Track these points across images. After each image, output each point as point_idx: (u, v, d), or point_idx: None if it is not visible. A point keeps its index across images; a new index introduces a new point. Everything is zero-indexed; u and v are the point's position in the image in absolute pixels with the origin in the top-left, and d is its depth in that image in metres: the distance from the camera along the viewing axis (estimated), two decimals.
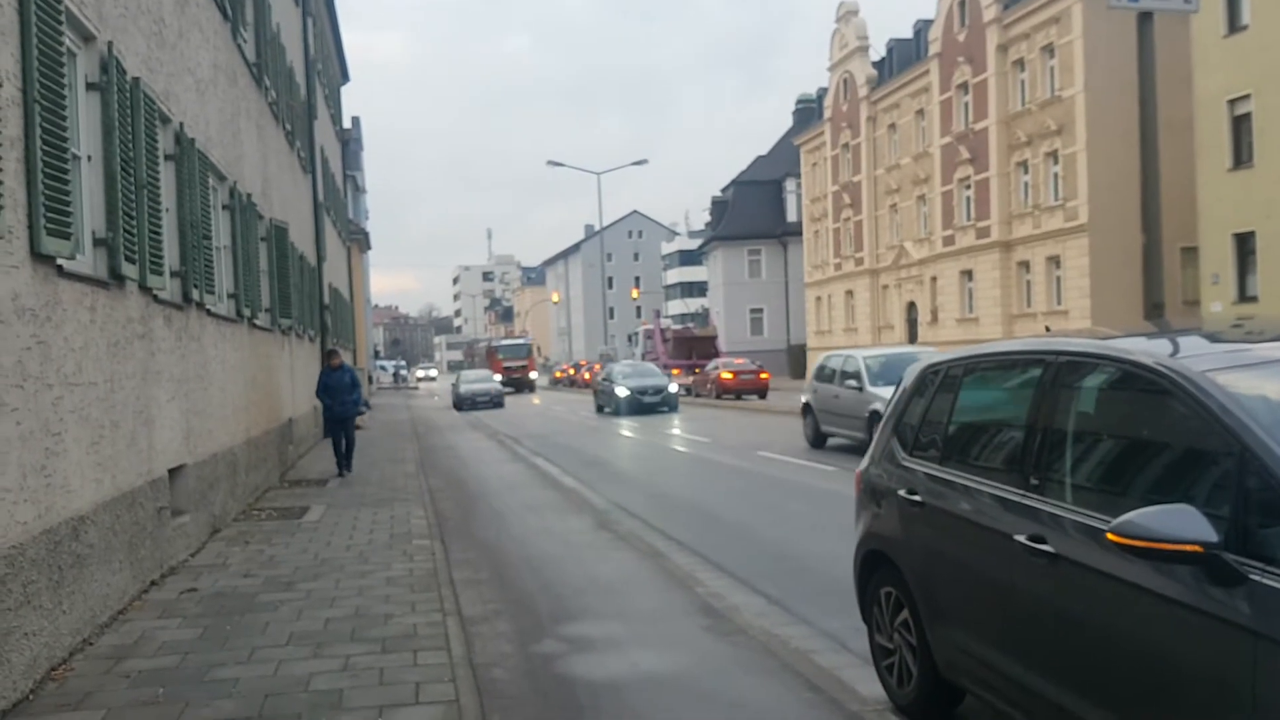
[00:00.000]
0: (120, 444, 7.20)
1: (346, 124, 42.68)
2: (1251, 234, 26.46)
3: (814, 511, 11.57)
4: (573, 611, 7.31)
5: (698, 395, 41.56)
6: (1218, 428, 3.11)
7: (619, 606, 7.38)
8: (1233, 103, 26.73)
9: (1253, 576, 2.82)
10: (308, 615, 6.94)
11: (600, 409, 35.51)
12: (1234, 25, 26.52)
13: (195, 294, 9.57)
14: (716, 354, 48.70)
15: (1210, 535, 2.88)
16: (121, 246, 7.23)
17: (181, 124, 9.52)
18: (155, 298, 8.27)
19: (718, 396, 39.22)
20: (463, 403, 40.94)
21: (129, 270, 7.41)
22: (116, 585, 6.99)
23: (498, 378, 48.44)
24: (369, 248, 50.64)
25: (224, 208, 11.79)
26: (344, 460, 15.37)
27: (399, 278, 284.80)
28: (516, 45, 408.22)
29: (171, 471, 8.64)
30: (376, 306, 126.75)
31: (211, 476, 10.20)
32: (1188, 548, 2.90)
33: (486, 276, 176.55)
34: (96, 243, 7.03)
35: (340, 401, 15.43)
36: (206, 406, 10.08)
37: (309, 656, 5.99)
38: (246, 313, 12.39)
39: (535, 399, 52.07)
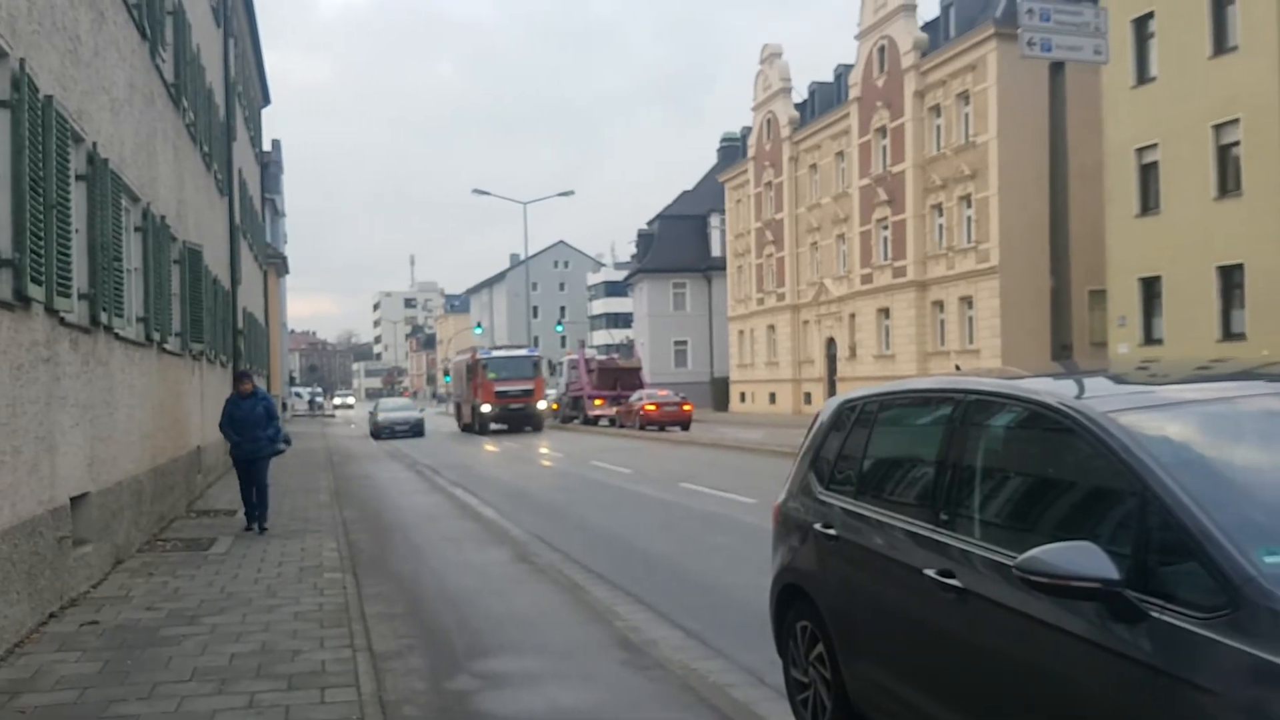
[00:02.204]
0: (21, 471, 6.94)
1: (266, 146, 42.08)
2: (1157, 278, 27.45)
3: (735, 544, 11.61)
4: (489, 646, 7.21)
5: (622, 426, 41.59)
6: (1120, 468, 3.20)
7: (536, 641, 7.30)
8: (1140, 151, 27.80)
9: (1153, 614, 2.90)
10: (212, 650, 6.74)
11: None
12: (1142, 77, 27.63)
13: (104, 317, 9.31)
14: (641, 385, 48.80)
15: (1112, 573, 2.95)
16: (28, 268, 7.01)
17: (95, 144, 9.29)
18: (62, 320, 8.03)
19: (641, 427, 39.29)
20: (381, 431, 40.37)
21: (35, 292, 7.19)
22: (14, 617, 6.72)
23: (487, 407, 40.95)
24: (286, 272, 49.90)
25: (136, 229, 11.51)
26: (256, 511, 12.37)
27: (318, 303, 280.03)
28: (444, 72, 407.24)
29: (74, 500, 8.35)
30: (293, 332, 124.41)
31: (116, 505, 9.88)
32: (1090, 584, 2.97)
33: (409, 303, 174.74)
34: (2, 264, 6.80)
35: (251, 438, 12.26)
36: (112, 433, 9.78)
37: (213, 693, 5.81)
38: (156, 337, 12.09)
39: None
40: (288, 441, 12.94)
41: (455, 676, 6.49)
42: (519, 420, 41.79)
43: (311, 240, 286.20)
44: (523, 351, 44.51)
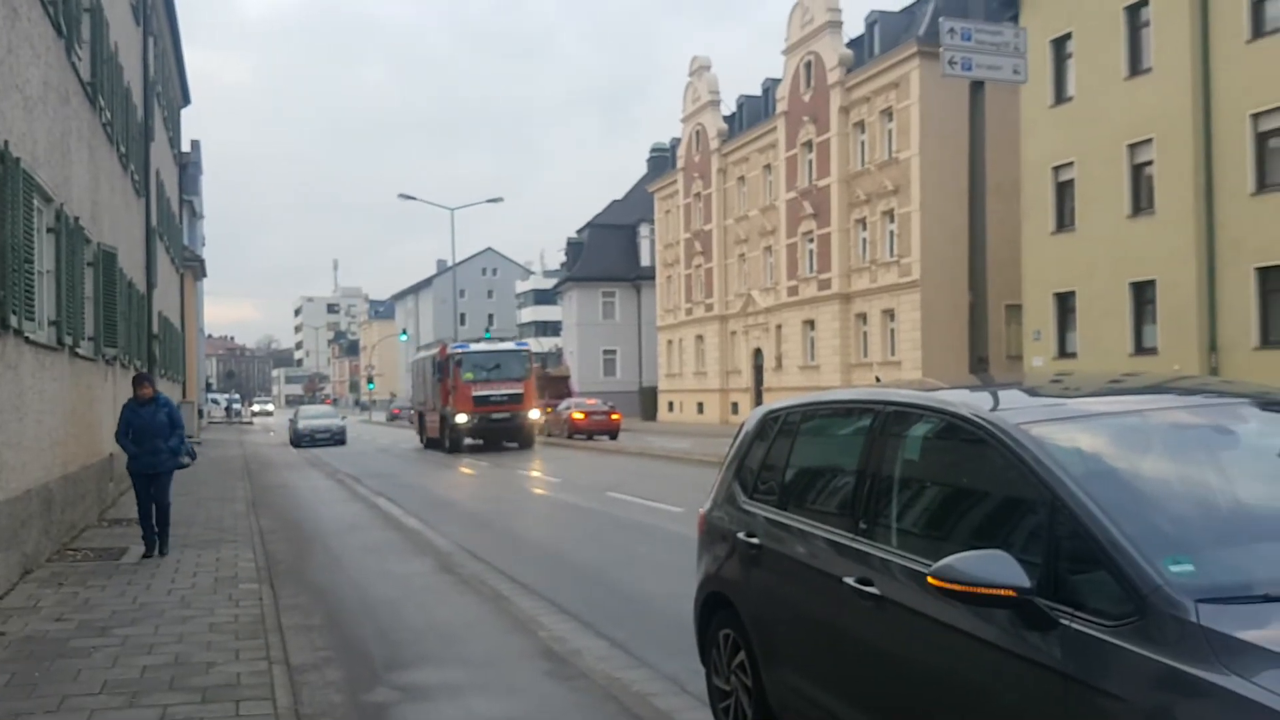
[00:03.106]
0: None
1: (186, 147, 41.17)
2: (1072, 293, 28.21)
3: (661, 553, 11.63)
4: (409, 658, 7.12)
5: (550, 435, 41.41)
6: (1032, 478, 3.28)
7: (458, 652, 7.23)
8: (1057, 169, 28.57)
9: (1063, 621, 2.97)
10: (124, 662, 6.56)
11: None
12: (1060, 96, 28.41)
13: (13, 320, 9.01)
14: (569, 394, 48.69)
15: (1023, 581, 3.02)
16: None
17: (6, 142, 9.00)
18: None
19: (569, 436, 39.17)
20: (301, 439, 39.64)
21: None
22: None
23: (462, 418, 32.06)
24: (204, 275, 48.81)
25: (49, 231, 11.17)
26: (156, 534, 11.05)
27: (237, 308, 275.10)
28: (373, 76, 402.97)
29: None
30: (211, 337, 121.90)
31: (24, 514, 9.55)
32: (1002, 592, 3.03)
33: (331, 309, 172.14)
34: None
35: (152, 449, 10.78)
36: (20, 439, 9.46)
37: (124, 706, 5.66)
38: (68, 341, 11.73)
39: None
40: (192, 455, 11.56)
41: (374, 689, 6.39)
42: (503, 434, 33.16)
43: (232, 244, 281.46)
44: (508, 345, 36.59)
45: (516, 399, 33.04)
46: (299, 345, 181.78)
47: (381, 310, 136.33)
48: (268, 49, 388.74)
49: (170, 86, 30.47)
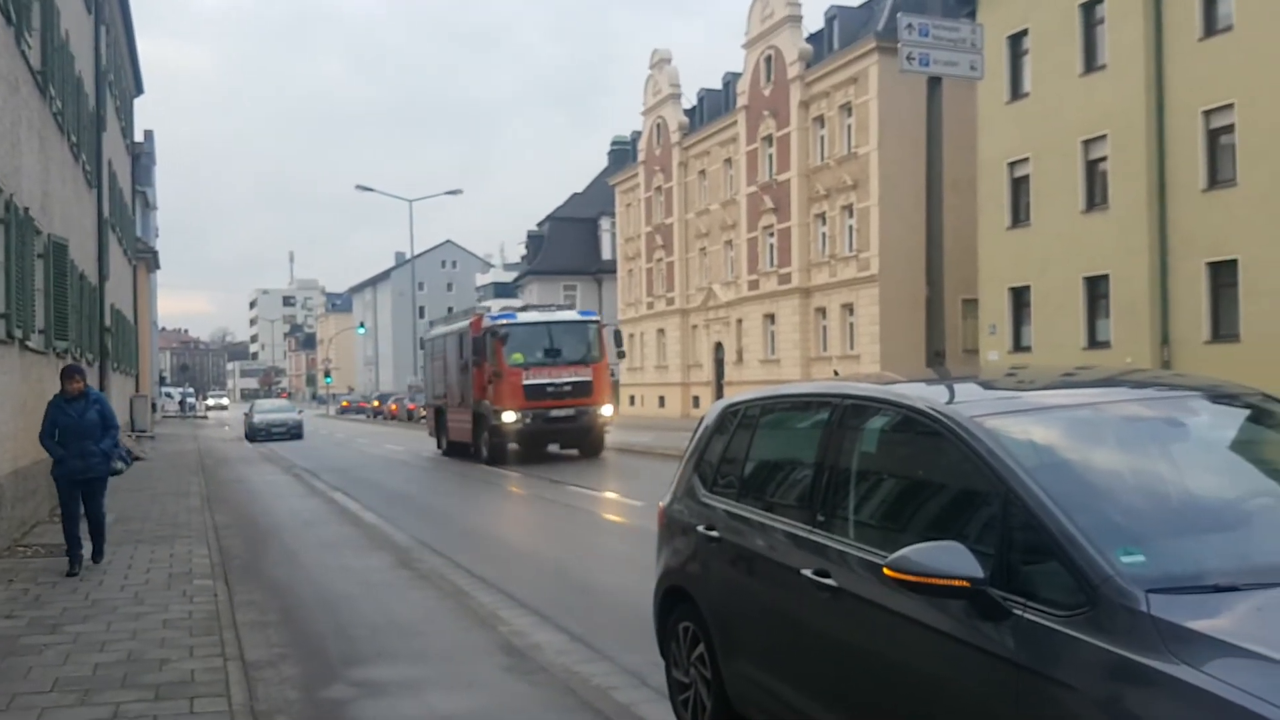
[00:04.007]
0: None
1: (139, 137, 40.51)
2: (1026, 288, 28.55)
3: (622, 546, 11.64)
4: (366, 654, 7.07)
5: None
6: (986, 470, 3.32)
7: (416, 647, 7.19)
8: (1013, 165, 28.89)
9: (1015, 611, 3.01)
10: (75, 660, 6.47)
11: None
12: (1016, 93, 28.72)
13: None
14: None
15: (977, 571, 3.06)
16: None
17: None
18: None
19: None
20: (256, 434, 39.20)
21: None
22: None
23: (510, 416, 23.32)
24: (157, 267, 48.14)
25: None
26: (87, 542, 9.82)
27: (191, 300, 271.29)
28: (330, 67, 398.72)
29: None
30: (164, 330, 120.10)
31: None
32: (956, 583, 3.07)
33: (287, 301, 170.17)
34: None
35: (81, 452, 9.42)
36: None
37: (75, 704, 5.58)
38: (18, 334, 11.51)
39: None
40: (126, 460, 10.25)
41: (330, 685, 6.34)
42: (565, 437, 24.91)
43: (185, 236, 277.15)
44: (570, 314, 26.47)
45: (584, 389, 23.91)
46: (254, 338, 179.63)
47: (339, 303, 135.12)
48: (223, 38, 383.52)
49: (123, 76, 29.97)
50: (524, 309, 26.00)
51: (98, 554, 10.00)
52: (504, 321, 24.51)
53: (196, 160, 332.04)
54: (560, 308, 27.12)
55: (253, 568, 10.70)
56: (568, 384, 23.78)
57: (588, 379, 24.10)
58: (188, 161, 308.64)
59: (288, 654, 7.11)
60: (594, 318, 25.61)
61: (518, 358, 23.78)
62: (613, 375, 25.05)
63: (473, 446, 25.60)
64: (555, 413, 23.77)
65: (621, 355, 26.47)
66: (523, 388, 23.52)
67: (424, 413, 54.40)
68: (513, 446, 24.53)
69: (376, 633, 7.67)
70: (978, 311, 30.71)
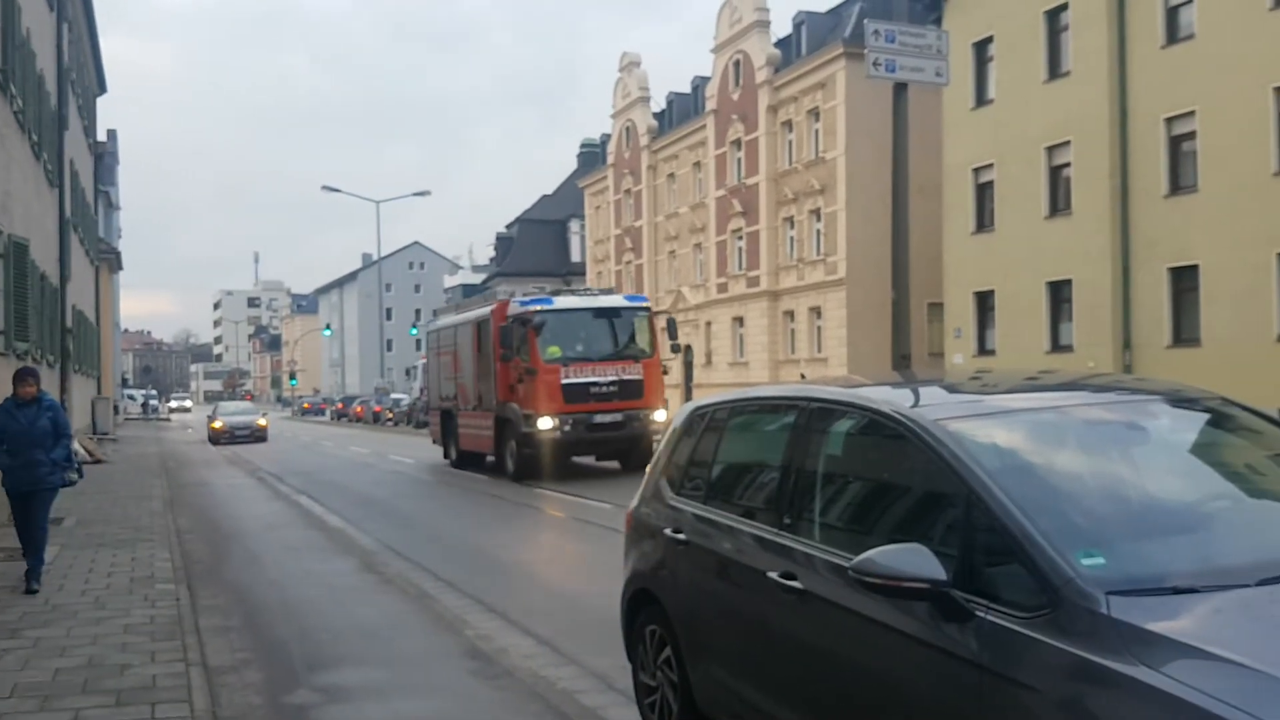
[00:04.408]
0: None
1: (102, 136, 40.03)
2: (991, 292, 28.82)
3: (590, 549, 11.62)
4: (330, 659, 7.01)
5: None
6: (949, 473, 3.34)
7: (381, 652, 7.14)
8: (977, 171, 29.16)
9: (978, 613, 3.03)
10: (35, 665, 6.38)
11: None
12: (981, 99, 29.01)
13: None
14: None
15: (940, 573, 3.08)
16: None
17: None
18: None
19: None
20: (220, 437, 38.80)
21: None
22: None
23: (546, 422, 19.04)
24: (120, 268, 47.56)
25: None
26: (51, 548, 9.64)
27: (154, 301, 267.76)
28: (296, 66, 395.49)
29: None
30: (127, 331, 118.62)
31: None
32: (919, 585, 3.09)
33: (252, 302, 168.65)
34: None
35: (29, 461, 8.70)
36: None
37: (35, 710, 5.52)
38: None
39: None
40: (79, 469, 9.69)
41: (294, 690, 6.29)
42: (613, 447, 20.64)
43: (149, 236, 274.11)
44: (615, 299, 21.61)
45: (633, 390, 19.82)
46: (218, 340, 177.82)
47: (304, 304, 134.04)
48: (189, 36, 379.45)
49: (85, 74, 29.60)
50: (557, 293, 21.48)
51: (33, 581, 8.81)
52: (538, 307, 19.87)
53: (160, 159, 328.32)
54: (602, 291, 22.65)
55: (216, 572, 10.59)
56: (614, 383, 19.66)
57: (638, 377, 19.85)
58: (152, 161, 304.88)
59: (251, 659, 7.04)
60: (644, 303, 21.34)
61: (554, 351, 19.52)
62: (665, 372, 20.85)
63: (493, 457, 21.27)
64: (599, 418, 19.60)
65: (677, 350, 21.80)
66: (561, 388, 19.26)
67: (391, 415, 54.36)
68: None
69: (341, 637, 7.61)
70: (943, 315, 30.96)
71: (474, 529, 14.06)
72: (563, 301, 20.54)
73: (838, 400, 4.23)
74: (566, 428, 19.19)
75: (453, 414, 24.19)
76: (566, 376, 19.29)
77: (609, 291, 23.30)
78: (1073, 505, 3.26)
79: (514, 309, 20.45)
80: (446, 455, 24.84)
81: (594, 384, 19.52)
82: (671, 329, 21.58)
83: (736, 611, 4.40)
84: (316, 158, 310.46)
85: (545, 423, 19.13)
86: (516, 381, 19.89)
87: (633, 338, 20.41)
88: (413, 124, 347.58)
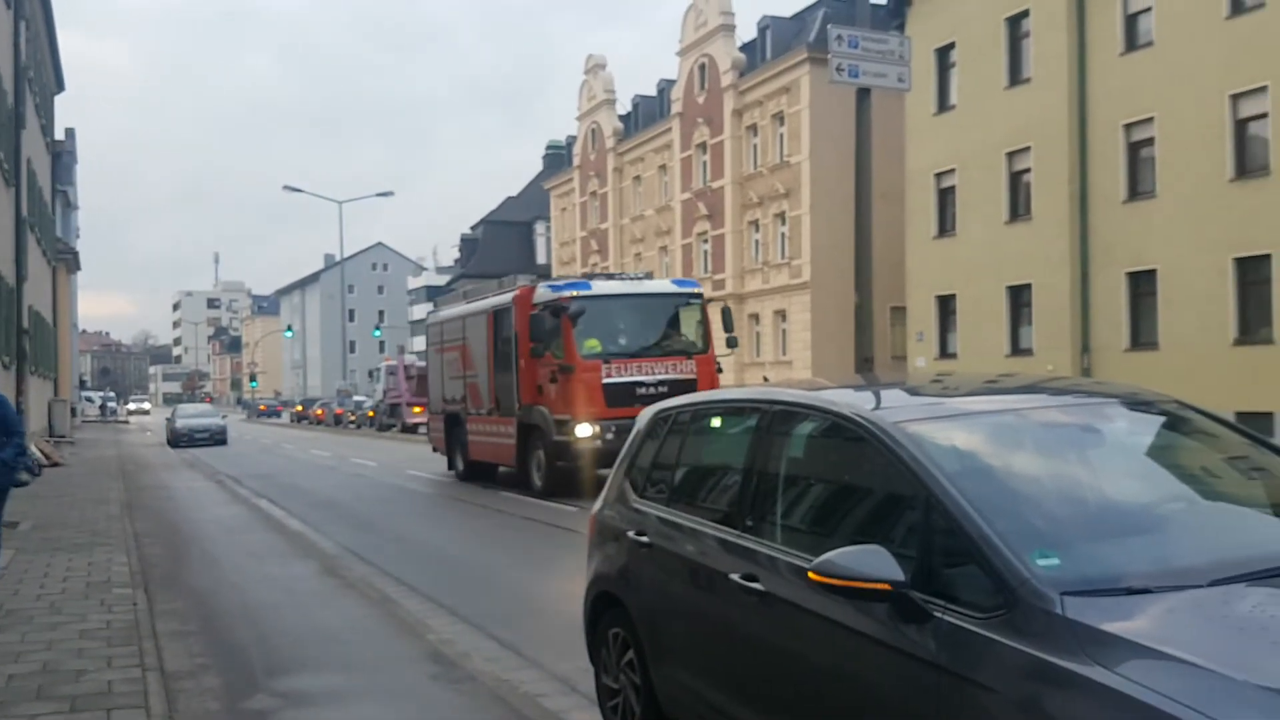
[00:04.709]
0: None
1: (59, 135, 39.45)
2: (952, 296, 29.10)
3: (552, 551, 11.59)
4: (290, 664, 6.94)
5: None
6: (908, 475, 3.37)
7: (342, 657, 7.08)
8: (939, 176, 29.44)
9: (936, 614, 3.05)
10: None
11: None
12: (943, 105, 29.29)
13: None
14: None
15: (898, 574, 3.10)
16: None
17: None
18: None
19: None
20: (179, 439, 38.31)
21: None
22: None
23: (585, 429, 16.19)
24: (78, 268, 46.91)
25: None
26: (7, 551, 9.43)
27: (113, 302, 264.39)
28: (259, 64, 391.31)
29: None
30: (85, 332, 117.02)
31: None
32: (878, 585, 3.11)
33: (212, 303, 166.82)
34: None
35: None
36: None
37: None
38: None
39: None
40: (33, 470, 9.32)
41: (253, 696, 6.21)
42: None
43: (108, 236, 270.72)
44: (662, 284, 19.21)
45: (685, 392, 12.03)
46: (178, 341, 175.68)
47: (265, 306, 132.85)
48: (148, 34, 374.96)
49: (43, 72, 29.18)
50: (590, 276, 19.19)
51: None
52: (574, 293, 17.02)
53: (120, 159, 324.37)
54: (644, 276, 19.36)
55: (174, 576, 10.45)
56: (662, 383, 16.51)
57: (690, 376, 16.84)
58: (111, 160, 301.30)
59: (209, 664, 6.95)
60: (696, 288, 18.57)
61: (593, 345, 16.66)
62: (719, 370, 17.84)
63: (523, 468, 17.96)
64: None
65: (733, 344, 18.20)
66: (602, 388, 16.40)
67: (353, 418, 53.92)
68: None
69: (300, 642, 7.53)
70: (906, 319, 31.22)
71: (435, 531, 13.98)
72: (602, 286, 17.68)
73: (799, 403, 4.25)
74: (609, 435, 16.00)
75: (460, 419, 20.93)
76: (608, 375, 16.51)
77: (649, 276, 19.95)
78: (1029, 507, 3.30)
79: (542, 294, 17.42)
80: (451, 466, 21.67)
81: (640, 384, 16.50)
82: (726, 320, 18.28)
83: (699, 614, 4.41)
84: (279, 158, 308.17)
85: (583, 429, 16.35)
86: (548, 381, 16.90)
87: (684, 329, 17.75)
88: (377, 125, 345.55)
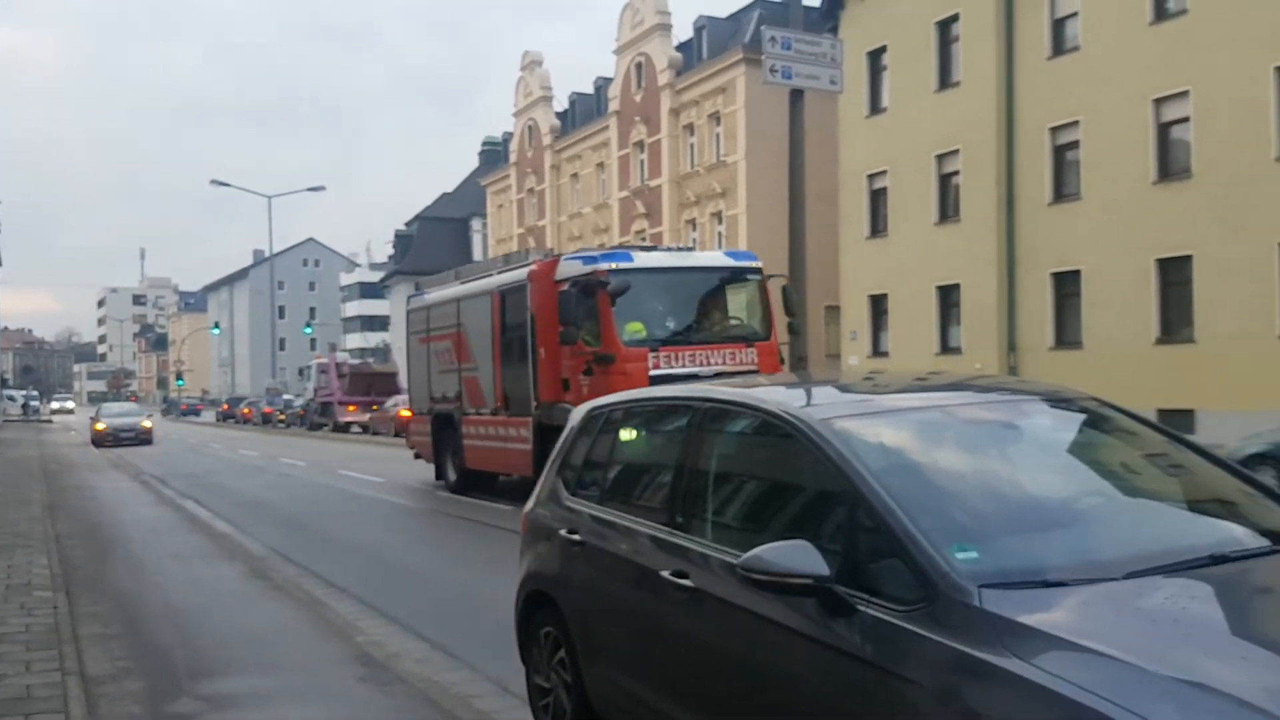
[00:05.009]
0: None
1: None
2: (885, 296, 29.51)
3: (489, 552, 11.51)
4: (215, 666, 6.81)
5: (376, 434, 40.30)
6: (834, 471, 3.41)
7: (268, 659, 6.96)
8: (871, 177, 29.82)
9: (860, 608, 3.09)
10: None
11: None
12: (875, 107, 29.67)
13: None
14: (397, 391, 47.39)
15: (823, 569, 3.12)
16: None
17: None
18: None
19: (397, 434, 38.23)
20: (104, 439, 37.43)
21: None
22: None
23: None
24: (0, 264, 45.55)
25: None
26: None
27: (35, 298, 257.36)
28: (187, 55, 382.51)
29: None
30: (6, 329, 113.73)
31: None
32: (803, 580, 3.13)
33: (138, 300, 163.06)
34: None
35: None
36: None
37: None
38: None
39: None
40: None
41: (176, 699, 6.09)
42: None
43: (30, 231, 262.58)
44: (716, 257, 16.48)
45: None
46: (102, 339, 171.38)
47: (192, 302, 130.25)
48: (72, 24, 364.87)
49: None
50: (637, 247, 16.33)
51: None
52: (612, 265, 13.94)
53: (43, 152, 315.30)
54: (687, 248, 16.92)
55: (96, 579, 10.20)
56: (722, 376, 13.30)
57: (751, 367, 14.11)
58: (34, 154, 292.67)
59: (131, 668, 6.80)
60: (755, 262, 15.34)
61: (636, 330, 13.76)
62: (782, 361, 14.78)
63: (530, 478, 13.24)
64: None
65: (795, 330, 14.88)
66: (650, 383, 12.60)
67: (283, 417, 53.05)
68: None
69: (226, 645, 7.40)
70: (840, 318, 31.57)
71: (367, 532, 13.81)
72: (645, 259, 14.55)
73: (730, 400, 4.28)
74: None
75: (453, 420, 17.69)
76: (656, 366, 13.50)
77: (686, 248, 17.08)
78: (951, 501, 3.35)
79: (569, 268, 14.51)
80: (440, 476, 18.55)
81: (694, 377, 12.75)
82: (788, 301, 14.70)
83: (631, 611, 4.41)
84: (208, 152, 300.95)
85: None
86: (579, 373, 13.80)
87: (743, 311, 14.91)
88: (311, 120, 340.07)
